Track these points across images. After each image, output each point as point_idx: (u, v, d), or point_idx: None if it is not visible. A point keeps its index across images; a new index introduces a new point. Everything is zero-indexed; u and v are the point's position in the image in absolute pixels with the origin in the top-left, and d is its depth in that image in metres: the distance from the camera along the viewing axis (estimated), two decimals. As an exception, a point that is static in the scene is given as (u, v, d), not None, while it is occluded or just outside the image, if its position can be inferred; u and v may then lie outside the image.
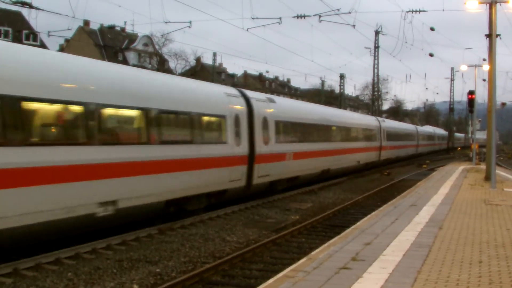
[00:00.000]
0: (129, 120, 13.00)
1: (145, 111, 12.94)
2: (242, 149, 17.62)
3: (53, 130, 10.94)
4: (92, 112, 11.30)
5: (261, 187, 19.23)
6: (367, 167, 35.62)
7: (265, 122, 19.32)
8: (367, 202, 20.05)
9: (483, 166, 31.68)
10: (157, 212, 13.63)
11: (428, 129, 74.85)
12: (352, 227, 12.02)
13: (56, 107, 10.73)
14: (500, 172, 30.29)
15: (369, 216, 13.78)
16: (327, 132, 27.06)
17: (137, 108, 12.83)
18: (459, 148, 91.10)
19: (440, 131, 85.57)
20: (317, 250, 9.53)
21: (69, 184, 10.58)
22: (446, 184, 22.83)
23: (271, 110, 20.18)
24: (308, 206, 18.86)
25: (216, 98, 16.91)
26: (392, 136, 42.98)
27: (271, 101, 21.00)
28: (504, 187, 21.73)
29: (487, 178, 23.83)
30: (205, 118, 15.80)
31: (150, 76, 16.18)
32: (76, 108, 11.06)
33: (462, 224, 12.19)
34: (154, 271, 9.73)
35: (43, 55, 11.73)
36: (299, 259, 9.29)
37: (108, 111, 11.92)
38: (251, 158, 18.08)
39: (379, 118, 43.45)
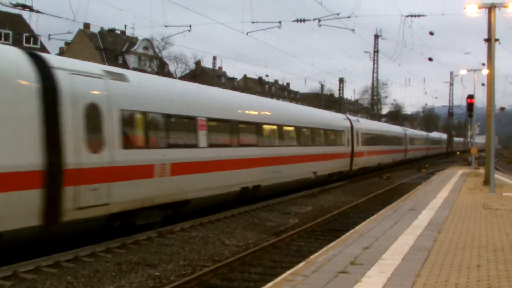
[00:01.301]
0: (321, 134, 26.50)
1: (326, 130, 27.08)
2: (349, 149, 30.81)
3: (315, 138, 25.56)
4: (325, 131, 26.86)
5: (355, 171, 32.40)
6: (398, 163, 48.21)
7: (357, 133, 32.49)
8: (366, 206, 20.05)
9: (482, 171, 31.68)
10: (325, 179, 26.77)
11: (435, 135, 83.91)
12: (352, 230, 12.05)
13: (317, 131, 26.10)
14: (499, 176, 30.32)
15: (368, 220, 13.80)
16: (380, 139, 39.82)
17: (326, 129, 27.19)
18: (458, 153, 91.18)
19: (445, 137, 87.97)
20: (316, 254, 9.55)
21: (306, 163, 23.39)
22: (446, 188, 22.86)
23: (359, 126, 33.60)
24: (308, 209, 18.87)
25: (340, 121, 30.66)
26: (412, 141, 56.29)
27: (358, 121, 35.46)
28: (503, 191, 21.74)
29: (486, 182, 23.85)
30: (338, 132, 29.38)
31: (323, 113, 31.32)
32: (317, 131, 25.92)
33: (461, 228, 12.21)
34: (153, 274, 9.74)
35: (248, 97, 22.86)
36: (298, 262, 9.32)
37: (319, 131, 26.32)
38: (352, 154, 31.04)
39: (404, 128, 57.95)
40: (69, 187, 10.50)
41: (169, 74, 59.33)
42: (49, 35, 43.86)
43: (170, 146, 13.79)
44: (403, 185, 28.72)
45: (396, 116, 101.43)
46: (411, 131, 60.09)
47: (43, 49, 54.59)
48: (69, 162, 10.51)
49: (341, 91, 68.24)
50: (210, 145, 15.53)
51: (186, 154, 14.43)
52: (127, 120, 12.40)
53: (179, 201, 14.18)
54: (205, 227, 14.51)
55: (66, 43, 66.08)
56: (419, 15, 33.31)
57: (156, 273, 9.79)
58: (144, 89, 13.52)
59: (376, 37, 58.80)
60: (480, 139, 59.15)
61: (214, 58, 62.24)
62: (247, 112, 18.89)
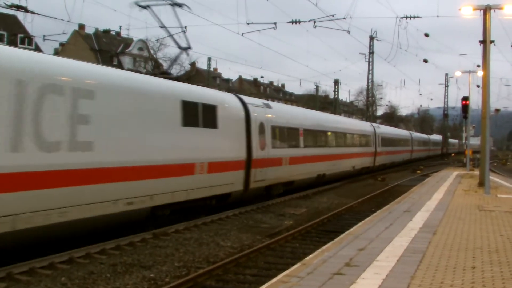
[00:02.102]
0: (358, 138, 35.03)
1: (360, 135, 35.53)
2: (373, 149, 38.75)
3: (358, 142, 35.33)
4: (360, 136, 35.83)
5: (376, 167, 40.14)
6: (406, 162, 55.19)
7: (378, 137, 40.30)
8: (361, 208, 20.07)
9: (477, 172, 31.77)
10: (356, 172, 34.30)
11: (436, 137, 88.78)
12: (346, 232, 12.04)
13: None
14: (494, 178, 30.41)
15: (363, 221, 13.80)
16: (393, 141, 47.52)
17: (360, 134, 35.74)
18: (453, 154, 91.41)
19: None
20: (311, 256, 9.54)
21: (349, 159, 31.57)
22: (440, 190, 22.90)
23: (379, 131, 41.48)
24: (303, 211, 18.87)
25: (368, 127, 38.90)
26: (417, 143, 63.78)
27: (378, 127, 43.42)
28: (498, 193, 21.81)
29: (481, 184, 23.91)
30: (367, 136, 37.37)
31: (358, 122, 41.03)
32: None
33: (456, 230, 12.23)
34: (148, 276, 9.71)
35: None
36: (293, 264, 9.30)
37: (357, 136, 35.01)
38: (375, 154, 39.04)
39: (410, 132, 66.36)
40: (253, 169, 18.25)
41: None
42: (44, 36, 43.60)
43: (289, 146, 22.13)
44: (398, 187, 28.76)
45: (391, 117, 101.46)
46: (415, 134, 67.86)
47: (38, 49, 54.38)
48: (253, 155, 18.27)
49: (336, 93, 68.26)
50: (305, 146, 23.70)
51: (294, 152, 22.47)
52: (273, 131, 20.32)
53: (289, 181, 21.95)
54: (200, 228, 14.49)
55: (61, 44, 65.87)
56: (414, 17, 33.37)
57: (151, 275, 9.76)
58: (278, 112, 21.58)
59: (371, 38, 58.83)
60: (475, 141, 59.33)
61: (209, 59, 62.12)
62: (320, 123, 27.13)
